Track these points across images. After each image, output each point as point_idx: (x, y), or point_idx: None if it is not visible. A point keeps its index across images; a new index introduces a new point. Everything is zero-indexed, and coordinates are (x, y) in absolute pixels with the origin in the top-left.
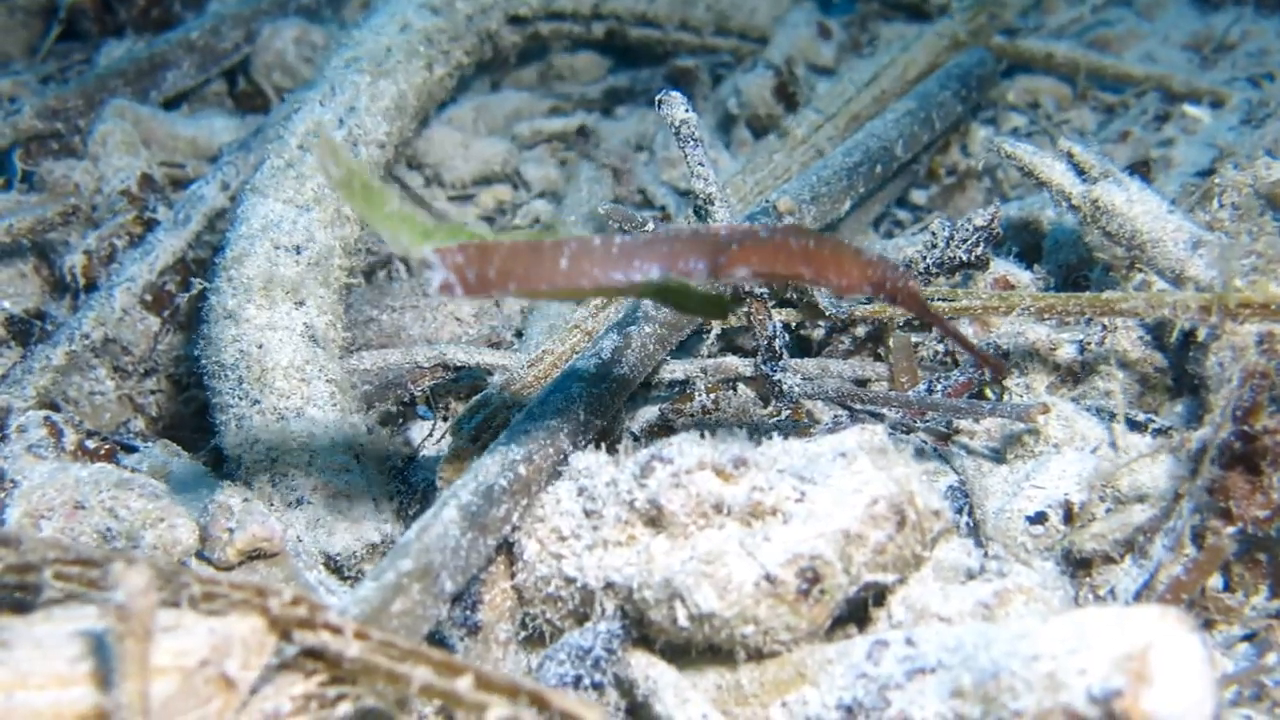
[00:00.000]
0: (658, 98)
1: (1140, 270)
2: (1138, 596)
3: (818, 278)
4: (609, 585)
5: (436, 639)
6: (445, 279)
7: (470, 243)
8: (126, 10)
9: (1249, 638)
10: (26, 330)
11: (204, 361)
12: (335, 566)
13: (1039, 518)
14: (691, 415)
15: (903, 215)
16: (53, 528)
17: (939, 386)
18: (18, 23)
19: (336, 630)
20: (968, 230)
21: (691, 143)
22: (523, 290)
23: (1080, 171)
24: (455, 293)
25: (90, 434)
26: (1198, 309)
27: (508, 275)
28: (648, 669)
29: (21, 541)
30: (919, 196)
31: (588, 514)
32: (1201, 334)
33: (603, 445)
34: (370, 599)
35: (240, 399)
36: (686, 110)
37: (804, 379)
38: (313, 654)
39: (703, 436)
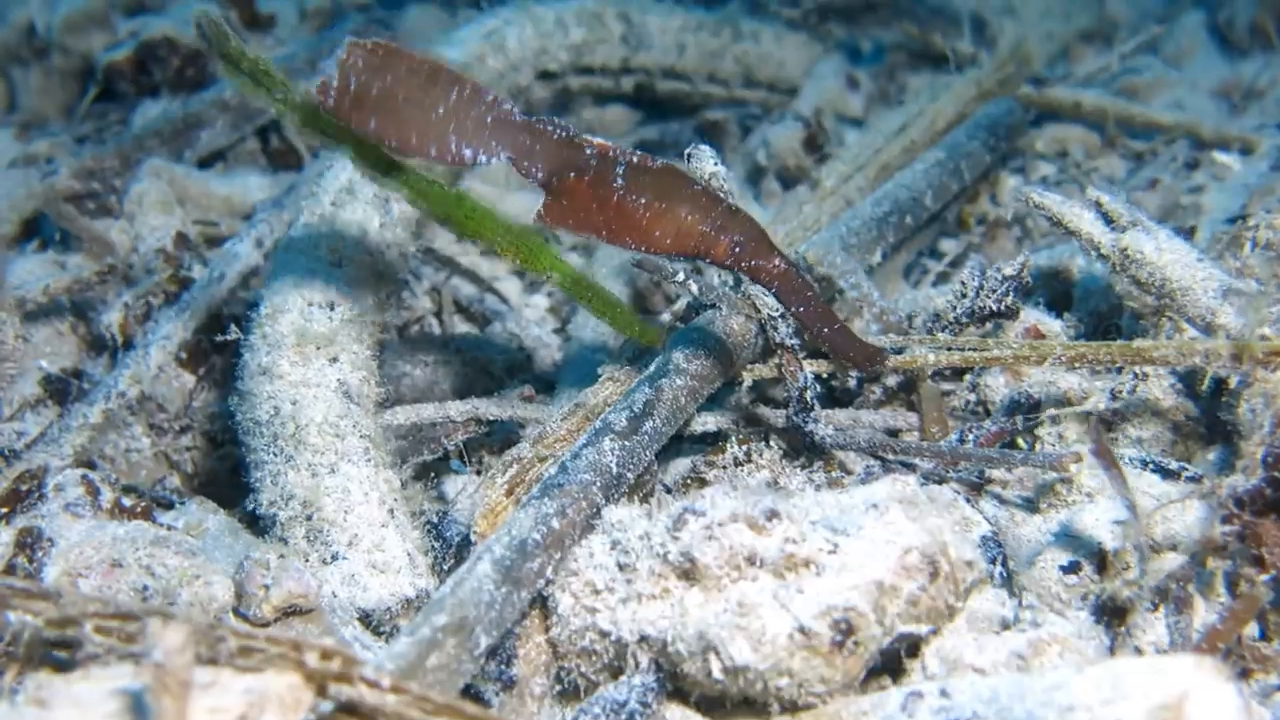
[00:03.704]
0: (687, 151)
1: (1170, 318)
2: (1172, 645)
3: (615, 239)
4: (643, 638)
5: (472, 693)
6: (328, 77)
7: (385, 42)
8: (161, 71)
9: None
10: (64, 389)
11: (239, 418)
12: (370, 622)
13: (1073, 567)
14: (724, 467)
15: (932, 264)
16: (90, 586)
17: (970, 436)
18: (55, 84)
19: (373, 685)
20: (997, 280)
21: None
22: (383, 132)
23: (1109, 220)
24: (328, 101)
25: (127, 490)
26: (1229, 357)
27: (385, 102)
28: None
29: (61, 596)
30: (949, 245)
31: (621, 567)
32: (1233, 382)
33: (635, 498)
34: (405, 654)
35: (275, 455)
36: (715, 164)
37: (835, 430)
38: (349, 709)
39: (735, 489)
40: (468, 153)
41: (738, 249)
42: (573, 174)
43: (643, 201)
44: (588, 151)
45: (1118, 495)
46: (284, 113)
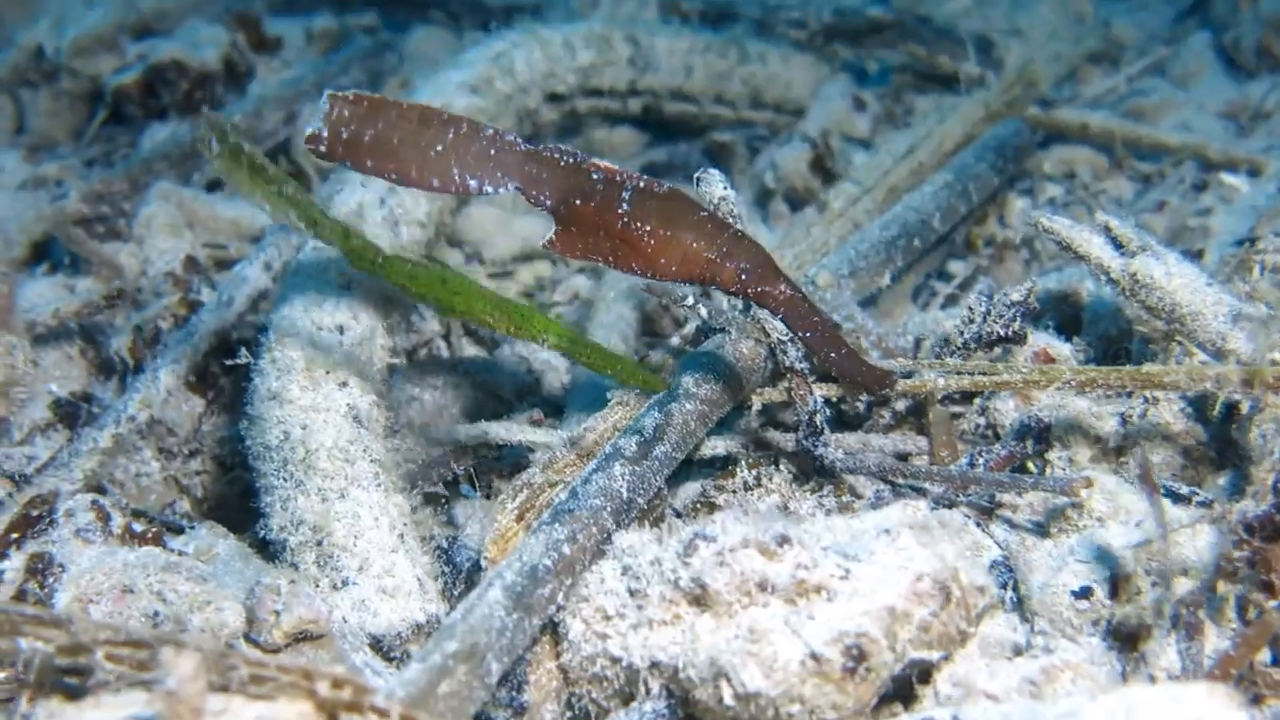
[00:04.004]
0: (696, 175)
1: (1180, 343)
2: (1184, 671)
3: (621, 265)
4: (654, 664)
5: None
6: (317, 129)
7: (367, 94)
8: (170, 94)
9: None
10: (73, 413)
11: (249, 443)
12: (381, 647)
13: (1084, 592)
14: (733, 491)
15: (941, 287)
16: (102, 612)
17: (981, 460)
18: (63, 107)
19: (383, 714)
20: (1004, 305)
21: (730, 220)
22: (383, 169)
23: (1118, 245)
24: (319, 147)
25: (137, 515)
26: (1240, 382)
27: (380, 145)
28: None
29: (73, 623)
30: (957, 267)
31: (632, 593)
32: (1245, 407)
33: (646, 523)
34: (416, 681)
35: (285, 480)
36: (725, 188)
37: (845, 454)
38: None
39: (745, 514)
40: (473, 183)
41: (744, 275)
42: (579, 200)
43: (648, 228)
44: (594, 176)
45: (1155, 523)
46: (287, 217)
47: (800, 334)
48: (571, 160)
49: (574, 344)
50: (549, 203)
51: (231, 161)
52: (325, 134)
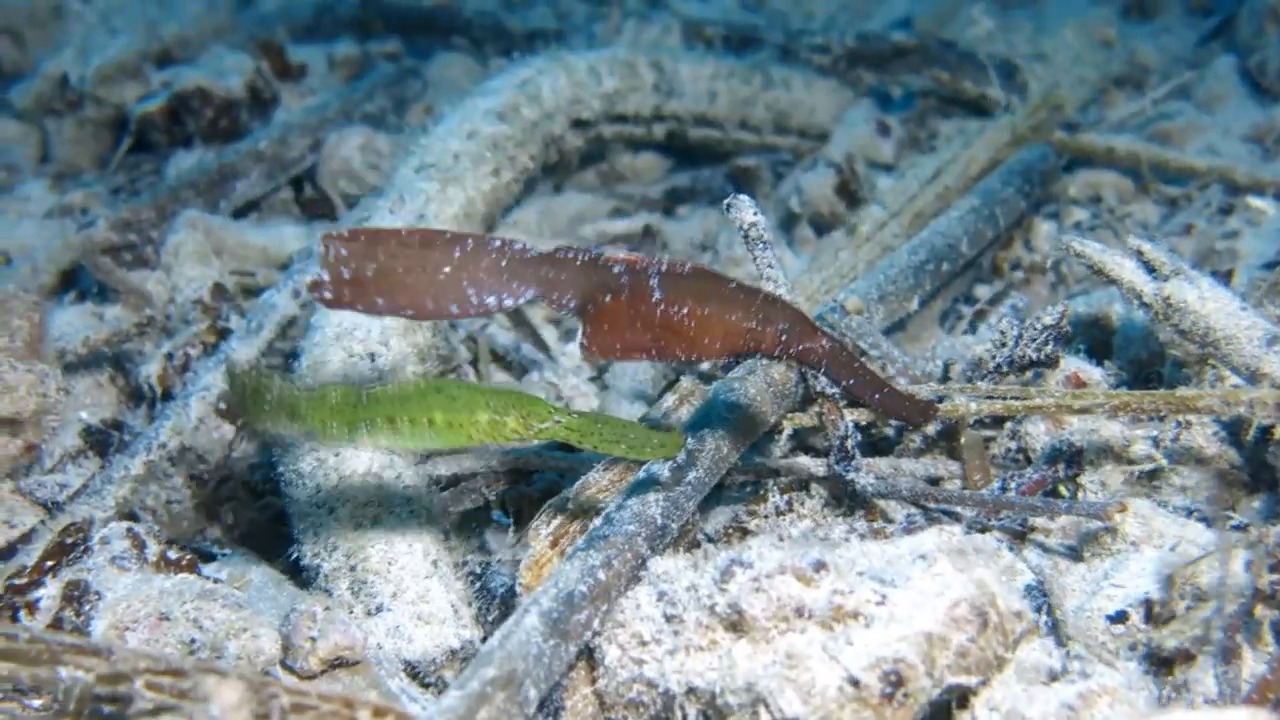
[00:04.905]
0: (726, 201)
1: (1213, 366)
2: (1221, 696)
3: (665, 355)
4: (691, 690)
5: None
6: (317, 276)
7: (362, 228)
8: (195, 121)
9: None
10: (104, 440)
11: (281, 469)
12: (416, 673)
13: (1120, 616)
14: (765, 516)
15: (968, 311)
16: (138, 639)
17: (1013, 484)
18: (88, 135)
19: None
20: (1037, 329)
21: (760, 245)
22: (394, 305)
23: (1150, 269)
24: (324, 294)
25: (171, 543)
26: (1274, 406)
27: (386, 278)
28: None
29: (113, 652)
30: (983, 292)
31: (668, 619)
32: (1279, 431)
33: (679, 548)
34: (455, 708)
35: (318, 507)
36: (755, 213)
37: (877, 478)
38: None
39: (781, 540)
40: (490, 301)
41: (784, 337)
42: (608, 297)
43: (685, 311)
44: (616, 270)
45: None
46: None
47: (844, 382)
48: (587, 257)
49: (582, 429)
50: (574, 305)
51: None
52: (328, 278)
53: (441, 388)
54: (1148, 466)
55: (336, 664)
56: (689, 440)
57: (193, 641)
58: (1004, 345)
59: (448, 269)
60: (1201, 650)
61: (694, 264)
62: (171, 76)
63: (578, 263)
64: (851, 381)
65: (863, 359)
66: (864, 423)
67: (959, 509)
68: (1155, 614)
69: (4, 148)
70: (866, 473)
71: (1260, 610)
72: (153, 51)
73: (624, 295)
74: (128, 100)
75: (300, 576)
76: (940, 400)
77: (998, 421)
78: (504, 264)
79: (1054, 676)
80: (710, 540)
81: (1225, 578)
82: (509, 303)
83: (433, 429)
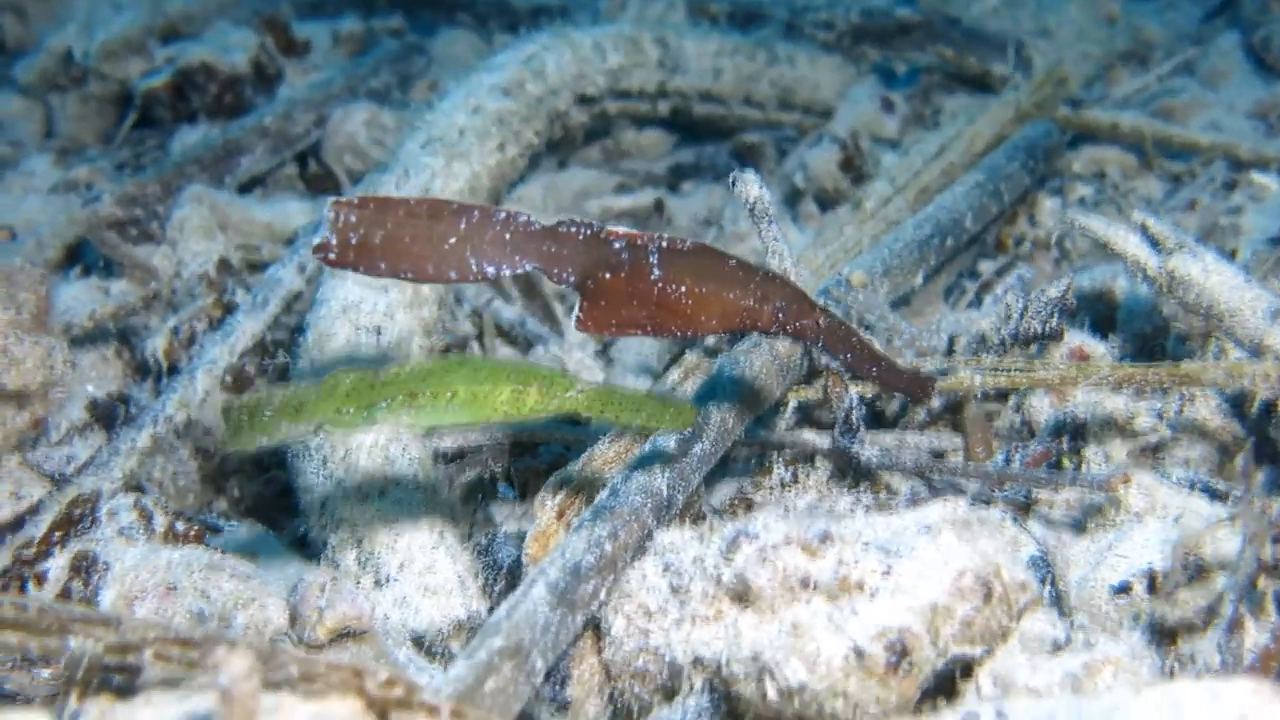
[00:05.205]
0: (732, 176)
1: (1217, 340)
2: (1224, 666)
3: (661, 331)
4: (697, 660)
5: (525, 716)
6: (324, 238)
7: (373, 195)
8: (199, 97)
9: None
10: (110, 414)
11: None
12: (422, 644)
13: (1123, 588)
14: (770, 489)
15: (972, 286)
16: (146, 610)
17: (1017, 457)
18: (92, 111)
19: (433, 710)
20: (1042, 302)
21: (766, 220)
22: (396, 269)
23: (1155, 243)
24: (329, 256)
25: (179, 515)
26: (1278, 379)
27: (392, 244)
28: None
29: (122, 622)
30: (987, 267)
31: (674, 590)
32: None
33: (685, 520)
34: (463, 678)
35: (325, 479)
36: (760, 189)
37: (881, 451)
38: None
39: (786, 512)
40: (490, 270)
41: (780, 315)
42: (607, 273)
43: (683, 289)
44: (616, 246)
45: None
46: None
47: (840, 356)
48: (589, 232)
49: (601, 400)
50: (573, 279)
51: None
52: (334, 241)
53: (463, 362)
54: (1152, 438)
55: (344, 635)
56: None
57: (201, 612)
58: (1009, 319)
59: (453, 240)
60: (1209, 622)
61: (695, 241)
62: (176, 52)
63: (579, 237)
64: (848, 356)
65: (864, 332)
66: (869, 396)
67: (963, 481)
68: (1159, 585)
69: (8, 123)
70: (871, 446)
71: (1263, 581)
72: (157, 27)
73: (623, 272)
74: (132, 76)
75: (307, 549)
76: (944, 374)
77: (1002, 395)
78: (507, 236)
79: (1058, 647)
80: (716, 513)
81: (1245, 548)
82: (507, 273)
83: (454, 403)
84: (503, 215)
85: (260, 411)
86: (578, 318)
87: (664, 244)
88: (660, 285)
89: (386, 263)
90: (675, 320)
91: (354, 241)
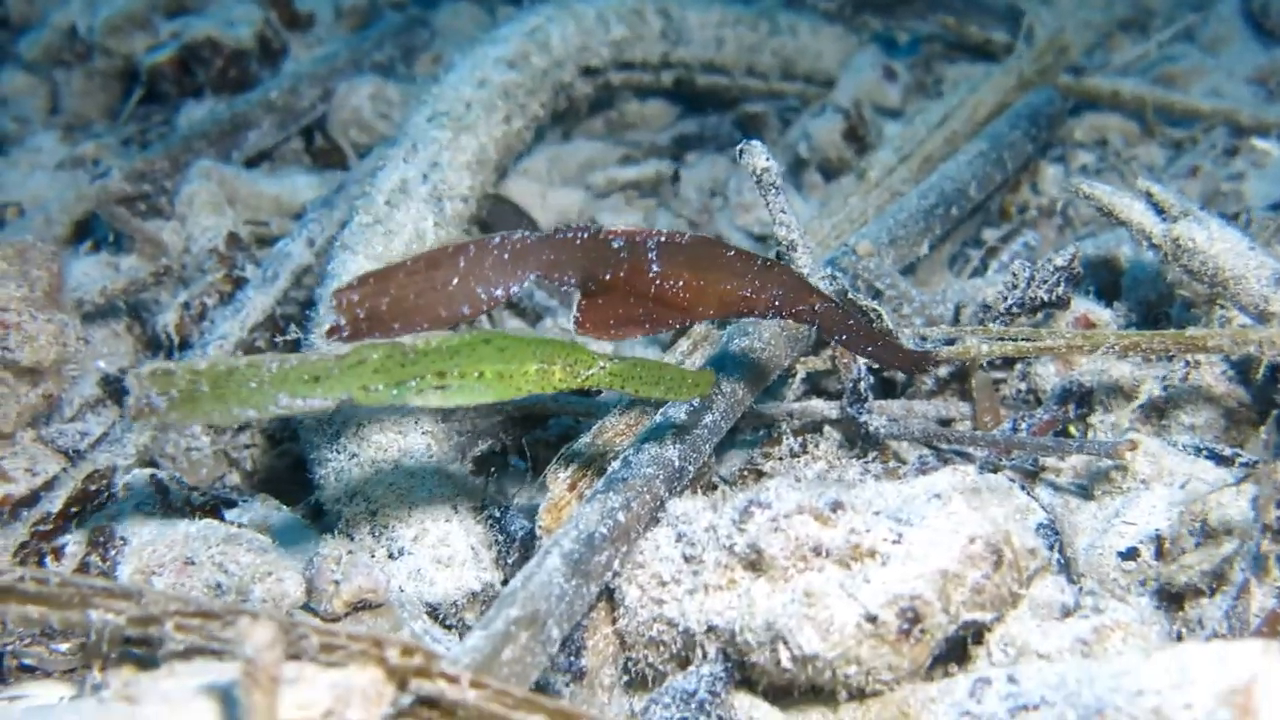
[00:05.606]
0: (739, 147)
1: (1222, 306)
2: (1230, 630)
3: (659, 326)
4: (710, 629)
5: (540, 685)
6: (335, 323)
7: (371, 271)
8: (205, 72)
9: None
10: (122, 389)
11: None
12: (437, 615)
13: (1131, 553)
14: (780, 459)
15: (976, 254)
16: (164, 583)
17: (1024, 425)
18: (97, 86)
19: (452, 679)
20: (1048, 270)
21: (773, 190)
22: (411, 324)
23: (1159, 210)
24: (343, 336)
25: (194, 489)
26: None
27: (399, 306)
28: (751, 710)
29: (143, 595)
30: (991, 235)
31: (687, 559)
32: None
33: (697, 490)
34: (481, 647)
35: (338, 453)
36: (767, 159)
37: (889, 420)
38: (429, 703)
39: (798, 481)
40: (498, 293)
41: (777, 302)
42: (607, 273)
43: (681, 282)
44: (615, 244)
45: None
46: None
47: (837, 338)
48: (587, 235)
49: (626, 374)
50: (574, 282)
51: (189, 403)
52: (344, 322)
53: (489, 339)
54: (1159, 393)
55: (360, 606)
56: None
57: (218, 585)
58: (1015, 287)
59: (455, 280)
60: (1216, 587)
61: (694, 235)
62: (181, 27)
63: (577, 242)
64: (845, 337)
65: (874, 300)
66: (877, 365)
67: (970, 449)
68: (1166, 550)
69: (13, 100)
70: (879, 415)
71: (1268, 545)
72: (161, 1)
73: (623, 270)
74: (137, 51)
75: (320, 522)
76: (951, 342)
77: (1008, 363)
78: (506, 257)
79: (1067, 612)
80: (726, 482)
81: (1258, 511)
82: (515, 290)
83: (482, 382)
84: (498, 239)
85: (243, 379)
86: (577, 320)
87: (662, 238)
88: (658, 279)
89: (399, 324)
90: (673, 313)
91: (363, 316)
